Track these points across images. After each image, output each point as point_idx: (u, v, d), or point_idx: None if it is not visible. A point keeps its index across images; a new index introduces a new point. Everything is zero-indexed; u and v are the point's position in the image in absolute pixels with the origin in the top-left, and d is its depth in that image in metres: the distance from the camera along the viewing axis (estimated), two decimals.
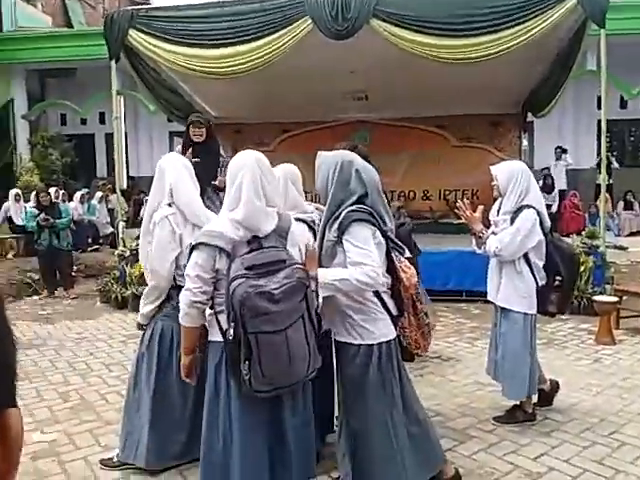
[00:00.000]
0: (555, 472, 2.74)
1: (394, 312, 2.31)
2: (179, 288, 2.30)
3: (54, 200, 7.80)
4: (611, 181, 11.27)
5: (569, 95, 9.41)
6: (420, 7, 6.06)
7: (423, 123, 9.75)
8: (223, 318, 2.02)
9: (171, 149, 12.63)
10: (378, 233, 2.25)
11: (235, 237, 2.01)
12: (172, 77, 7.79)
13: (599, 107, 12.00)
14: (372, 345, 2.25)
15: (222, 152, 5.29)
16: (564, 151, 11.87)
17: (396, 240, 2.40)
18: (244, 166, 2.10)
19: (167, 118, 9.87)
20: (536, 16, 5.92)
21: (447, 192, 9.93)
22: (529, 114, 9.49)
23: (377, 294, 2.26)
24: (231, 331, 1.92)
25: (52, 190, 10.13)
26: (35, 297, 7.33)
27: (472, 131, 9.83)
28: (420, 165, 9.85)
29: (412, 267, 2.39)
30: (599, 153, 12.03)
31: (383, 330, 2.27)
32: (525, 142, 11.55)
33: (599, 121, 12.50)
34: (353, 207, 2.25)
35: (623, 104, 12.45)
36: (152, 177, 2.86)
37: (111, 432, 3.21)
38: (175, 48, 6.44)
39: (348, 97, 8.83)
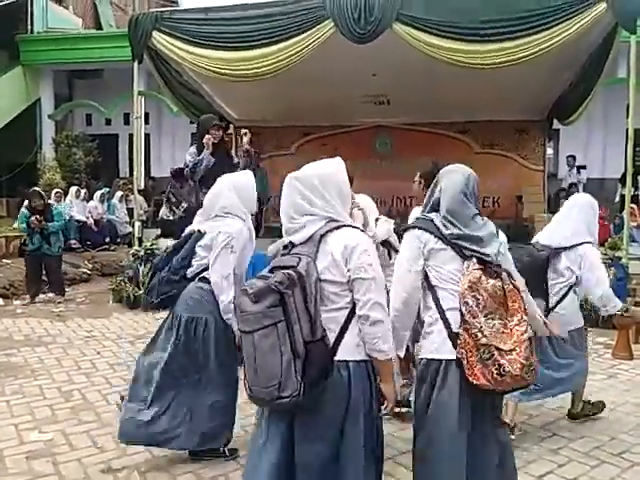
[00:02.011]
0: None
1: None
2: None
3: (48, 202, 7.23)
4: (638, 192, 10.93)
5: (598, 103, 9.16)
6: (444, 12, 5.95)
7: (445, 129, 9.64)
8: None
9: None
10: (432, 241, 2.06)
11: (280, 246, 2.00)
12: (194, 79, 7.83)
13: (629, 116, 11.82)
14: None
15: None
16: (582, 167, 11.60)
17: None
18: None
19: (189, 120, 9.96)
20: (564, 21, 5.77)
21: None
22: (555, 121, 9.28)
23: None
24: None
25: (73, 189, 10.38)
26: (17, 302, 6.94)
27: (495, 138, 9.67)
28: None
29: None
30: (626, 163, 11.77)
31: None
32: (550, 150, 11.28)
33: (627, 131, 12.26)
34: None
35: None
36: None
37: (108, 434, 3.17)
38: (198, 50, 6.48)
39: (369, 101, 8.76)
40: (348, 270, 1.84)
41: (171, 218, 9.74)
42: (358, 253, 1.84)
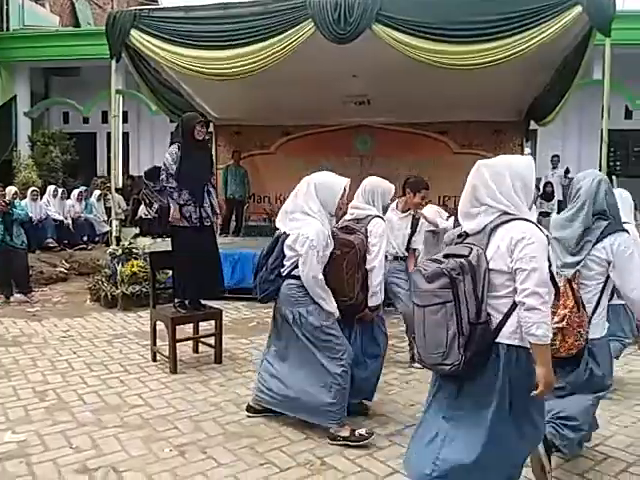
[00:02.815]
0: None
1: None
2: None
3: (9, 199, 6.80)
4: None
5: (574, 104, 9.32)
6: (423, 13, 5.97)
7: (425, 129, 9.70)
8: None
9: None
10: None
11: None
12: (173, 78, 7.77)
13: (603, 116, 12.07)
14: None
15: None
16: (567, 171, 11.80)
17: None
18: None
19: (169, 119, 9.87)
20: (541, 24, 5.82)
21: (447, 198, 9.84)
22: (532, 122, 9.41)
23: None
24: None
25: (51, 187, 10.19)
26: None
27: (474, 138, 9.74)
28: (421, 170, 9.73)
29: None
30: (600, 162, 12.03)
31: None
32: (528, 150, 11.44)
33: (601, 131, 12.49)
34: None
35: (628, 114, 12.36)
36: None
37: (84, 433, 3.13)
38: (178, 49, 6.41)
39: (350, 101, 8.78)
40: (512, 260, 1.97)
41: (149, 217, 9.68)
42: (522, 245, 1.96)
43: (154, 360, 4.42)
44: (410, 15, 5.94)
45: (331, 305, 3.11)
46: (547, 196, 11.12)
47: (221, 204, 8.67)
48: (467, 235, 2.11)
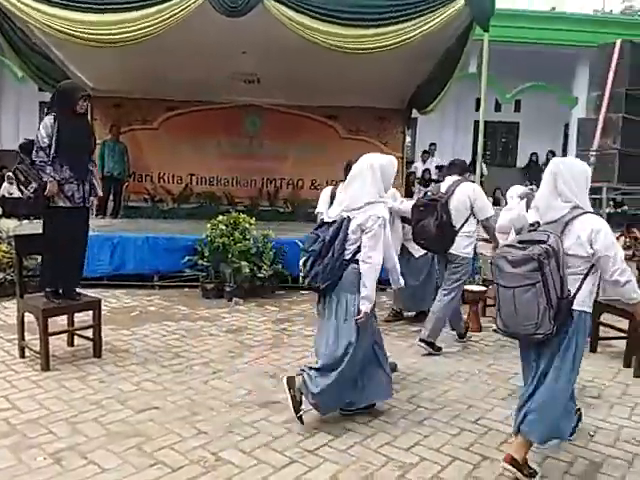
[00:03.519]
0: (427, 462, 2.75)
1: None
2: None
3: None
4: (482, 179, 12.06)
5: (451, 96, 9.84)
6: None
7: (314, 112, 9.74)
8: None
9: (41, 120, 11.43)
10: None
11: None
12: (44, 42, 6.98)
13: (476, 108, 12.92)
14: None
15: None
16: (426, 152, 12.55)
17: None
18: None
19: (38, 87, 8.91)
20: (428, 13, 6.04)
21: (334, 183, 9.95)
22: (414, 110, 9.80)
23: None
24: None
25: None
26: None
27: (360, 124, 9.97)
28: (310, 154, 9.82)
29: None
30: (473, 151, 12.97)
31: None
32: (408, 138, 11.96)
33: (475, 122, 13.42)
34: None
35: (497, 107, 13.38)
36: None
37: None
38: (51, 10, 5.71)
39: (239, 79, 8.51)
40: (593, 248, 2.48)
41: (15, 196, 8.70)
42: (603, 235, 2.48)
43: (22, 356, 3.96)
44: None
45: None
46: (425, 182, 11.76)
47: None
48: (538, 224, 2.62)
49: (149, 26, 5.80)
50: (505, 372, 4.05)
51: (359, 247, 3.04)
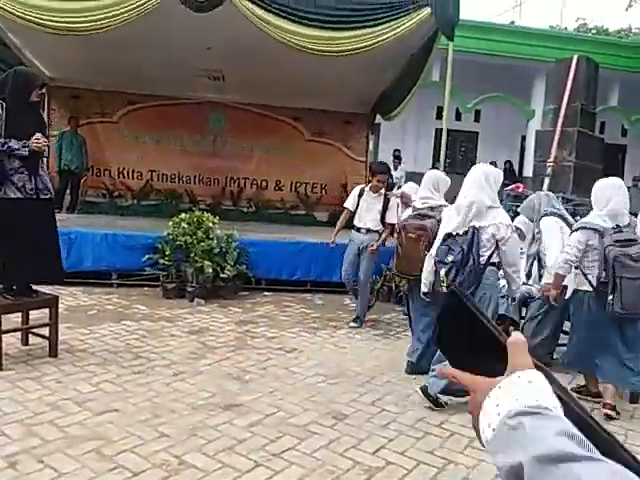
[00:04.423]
0: (392, 466, 2.77)
1: None
2: None
3: None
4: None
5: (413, 103, 10.02)
6: None
7: (280, 113, 9.69)
8: (592, 273, 3.55)
9: None
10: None
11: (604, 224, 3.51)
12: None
13: (437, 117, 13.22)
14: None
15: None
16: (397, 157, 12.70)
17: None
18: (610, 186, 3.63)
19: None
20: (395, 19, 6.12)
21: (298, 184, 9.99)
22: (378, 116, 9.91)
23: None
24: (603, 274, 3.44)
25: None
26: None
27: (325, 127, 9.99)
28: (274, 155, 9.78)
29: None
30: (434, 158, 13.24)
31: None
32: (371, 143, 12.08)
33: (436, 130, 13.72)
34: None
35: (458, 116, 13.69)
36: None
37: None
38: None
39: (203, 75, 8.40)
40: None
41: None
42: None
43: None
44: None
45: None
46: (388, 187, 11.84)
47: (53, 176, 7.76)
48: (618, 227, 3.47)
49: (113, 16, 5.63)
50: None
51: (493, 251, 3.47)
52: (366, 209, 5.21)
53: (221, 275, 5.85)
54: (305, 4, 5.97)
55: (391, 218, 5.20)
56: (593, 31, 23.96)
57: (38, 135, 3.69)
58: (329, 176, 9.99)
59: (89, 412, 3.09)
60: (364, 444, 2.96)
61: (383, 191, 5.27)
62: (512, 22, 18.28)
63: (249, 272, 6.18)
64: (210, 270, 5.75)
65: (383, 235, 5.23)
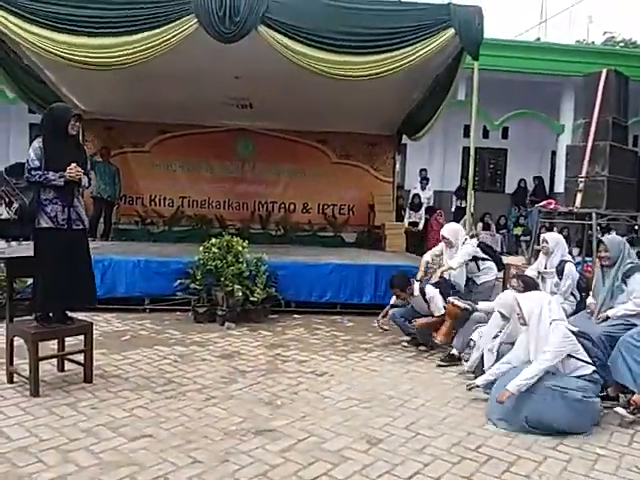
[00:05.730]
0: None
1: None
2: None
3: None
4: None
5: (439, 122, 10.00)
6: (309, 19, 5.98)
7: (306, 137, 9.84)
8: None
9: (31, 142, 11.37)
10: None
11: None
12: (36, 64, 7.00)
13: (465, 135, 13.15)
14: None
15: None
16: (426, 178, 12.66)
17: None
18: None
19: (28, 108, 8.90)
20: (420, 41, 6.15)
21: (326, 206, 10.04)
22: (404, 137, 9.92)
23: None
24: None
25: None
26: None
27: (351, 149, 10.09)
28: (301, 178, 9.90)
29: None
30: (462, 177, 13.13)
31: None
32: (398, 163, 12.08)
33: (463, 148, 13.61)
34: None
35: (485, 134, 13.59)
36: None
37: None
38: (43, 32, 5.73)
39: (232, 103, 8.59)
40: None
41: (3, 217, 8.58)
42: None
43: (10, 382, 3.86)
44: (297, 20, 5.93)
45: None
46: (415, 207, 11.84)
47: (88, 204, 7.97)
48: None
49: (142, 51, 5.84)
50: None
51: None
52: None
53: (251, 298, 5.88)
54: (328, 30, 6.06)
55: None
56: (621, 44, 23.63)
57: (72, 165, 3.81)
58: (356, 197, 10.04)
59: (123, 438, 3.11)
60: (398, 469, 2.90)
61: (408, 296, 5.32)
62: (537, 39, 18.18)
63: (278, 295, 6.19)
64: (240, 293, 5.78)
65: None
